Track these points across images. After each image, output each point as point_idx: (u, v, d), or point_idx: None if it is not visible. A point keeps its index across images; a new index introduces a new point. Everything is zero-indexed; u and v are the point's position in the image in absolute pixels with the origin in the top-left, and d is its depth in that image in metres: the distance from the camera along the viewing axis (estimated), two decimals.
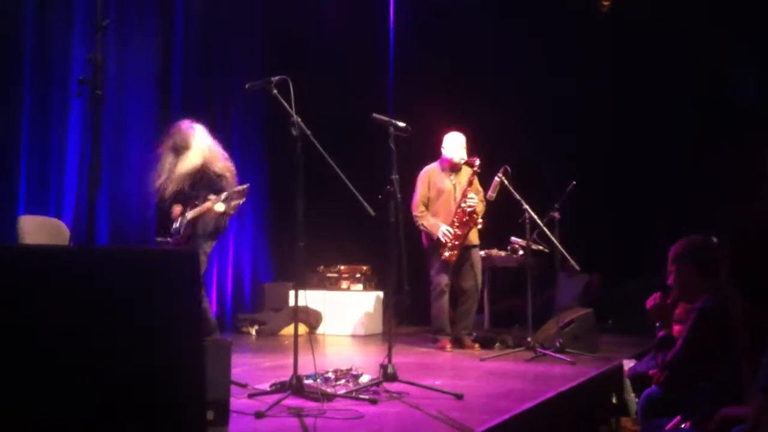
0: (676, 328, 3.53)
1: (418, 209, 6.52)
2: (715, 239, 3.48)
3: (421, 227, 6.51)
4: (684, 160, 8.23)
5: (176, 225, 5.37)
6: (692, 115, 8.36)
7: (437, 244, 6.42)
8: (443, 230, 6.38)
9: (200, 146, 5.36)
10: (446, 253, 6.39)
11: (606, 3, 8.83)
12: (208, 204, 5.25)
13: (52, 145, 6.13)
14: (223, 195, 5.21)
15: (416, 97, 8.24)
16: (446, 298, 6.48)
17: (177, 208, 5.40)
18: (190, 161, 5.32)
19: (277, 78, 4.27)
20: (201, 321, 2.39)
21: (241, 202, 5.23)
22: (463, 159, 6.50)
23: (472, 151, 6.57)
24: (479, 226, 6.51)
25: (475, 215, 6.42)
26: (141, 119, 6.94)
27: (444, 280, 6.45)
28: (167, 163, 5.36)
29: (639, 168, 8.61)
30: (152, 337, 2.20)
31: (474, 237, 6.58)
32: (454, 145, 6.54)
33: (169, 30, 7.36)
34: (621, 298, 8.14)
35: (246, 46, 8.28)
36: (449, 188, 6.54)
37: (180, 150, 5.34)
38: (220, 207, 5.23)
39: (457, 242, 6.39)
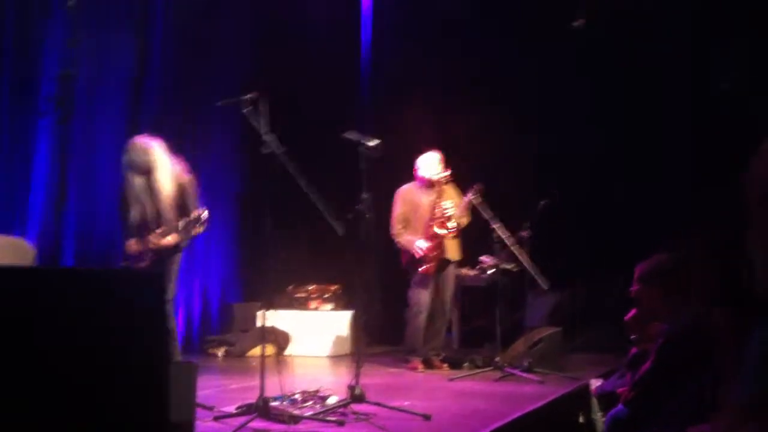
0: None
1: (395, 228, 6.59)
2: (682, 257, 3.50)
3: (399, 245, 6.57)
4: (659, 177, 8.31)
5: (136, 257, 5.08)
6: (668, 130, 8.43)
7: (415, 260, 6.46)
8: (418, 245, 6.43)
9: (166, 167, 5.05)
10: (423, 267, 6.43)
11: (580, 20, 8.86)
12: (159, 241, 4.93)
13: (16, 162, 6.03)
14: (180, 224, 4.87)
15: (394, 115, 8.24)
16: (423, 318, 6.48)
17: (133, 243, 5.08)
18: (163, 186, 5.00)
19: (250, 95, 4.27)
20: (166, 343, 2.35)
21: (200, 230, 4.90)
22: (440, 174, 6.53)
23: (448, 165, 6.60)
24: (452, 230, 6.48)
25: (445, 221, 6.43)
26: (111, 136, 6.87)
27: (425, 300, 6.47)
28: (135, 185, 5.05)
29: (613, 183, 8.65)
30: (117, 359, 2.17)
31: (453, 252, 6.61)
32: (429, 162, 6.60)
33: (143, 47, 7.30)
34: (591, 316, 8.19)
35: (220, 63, 8.23)
36: (425, 204, 6.57)
37: (142, 171, 5.01)
38: (170, 240, 4.92)
39: (433, 254, 6.42)
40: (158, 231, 4.89)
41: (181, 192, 5.00)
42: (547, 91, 8.64)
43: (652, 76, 8.45)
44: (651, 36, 8.31)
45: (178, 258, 5.17)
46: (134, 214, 5.05)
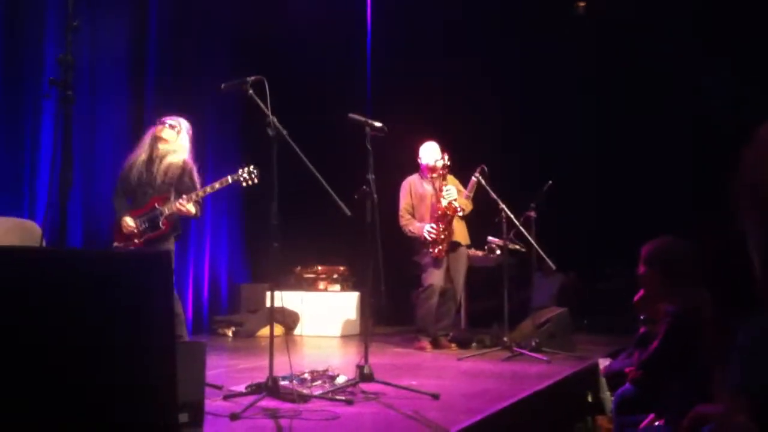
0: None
1: (403, 218, 6.65)
2: (687, 242, 3.49)
3: (409, 233, 6.61)
4: (663, 159, 8.31)
5: (144, 224, 5.19)
6: (672, 113, 8.43)
7: (426, 244, 6.49)
8: (427, 228, 6.48)
9: (185, 145, 5.27)
10: (435, 250, 6.45)
11: (581, 4, 8.90)
12: (181, 206, 5.10)
13: (24, 146, 6.06)
14: (193, 195, 5.10)
15: (394, 99, 8.23)
16: (435, 300, 6.51)
17: (127, 220, 5.21)
18: (175, 156, 5.21)
19: (253, 78, 4.26)
20: (173, 321, 2.36)
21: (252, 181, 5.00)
22: (438, 161, 6.54)
23: (451, 150, 6.62)
24: (460, 214, 6.51)
25: (453, 203, 6.44)
26: (114, 119, 6.89)
27: (437, 280, 6.49)
28: (144, 152, 5.26)
29: (617, 165, 8.66)
30: (125, 340, 2.18)
31: (461, 235, 6.64)
32: (429, 151, 6.67)
33: (143, 30, 7.30)
34: (597, 297, 8.20)
35: (221, 47, 8.23)
36: (430, 192, 6.63)
37: (163, 142, 5.23)
38: (192, 208, 5.13)
39: (443, 236, 6.44)
40: (185, 197, 5.05)
41: (192, 182, 5.18)
42: (551, 82, 8.65)
43: (655, 71, 8.45)
44: (652, 37, 8.31)
45: (172, 244, 5.28)
46: (132, 184, 5.20)
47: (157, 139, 5.25)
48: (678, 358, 3.25)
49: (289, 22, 8.53)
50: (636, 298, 3.59)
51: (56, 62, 3.48)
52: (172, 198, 5.14)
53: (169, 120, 5.30)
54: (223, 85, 4.47)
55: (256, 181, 4.96)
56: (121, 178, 5.36)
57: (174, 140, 5.26)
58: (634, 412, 3.48)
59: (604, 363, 5.22)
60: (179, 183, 5.17)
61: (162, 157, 5.22)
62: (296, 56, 8.62)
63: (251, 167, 4.97)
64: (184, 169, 5.17)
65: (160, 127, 5.27)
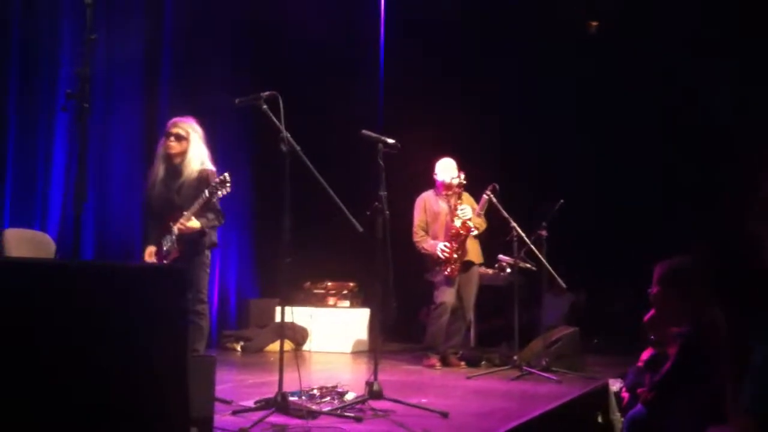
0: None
1: (417, 234, 6.63)
2: (699, 261, 3.48)
3: (422, 250, 6.59)
4: (671, 177, 8.30)
5: (166, 244, 4.92)
6: (679, 131, 8.43)
7: (440, 262, 6.47)
8: (440, 247, 6.45)
9: (198, 151, 4.95)
10: (448, 269, 6.43)
11: (594, 24, 8.95)
12: (181, 226, 4.80)
13: (37, 158, 6.10)
14: (192, 208, 4.75)
15: (406, 110, 8.24)
16: (446, 318, 6.47)
17: (151, 251, 4.96)
18: (189, 168, 4.89)
19: (267, 93, 4.28)
20: (186, 336, 2.35)
21: (225, 192, 4.67)
22: (455, 179, 6.53)
23: (463, 167, 6.61)
24: (474, 233, 6.50)
25: (467, 223, 6.43)
26: (127, 130, 6.92)
27: (449, 298, 6.47)
28: (160, 168, 4.95)
29: (626, 186, 8.66)
30: (136, 353, 2.18)
31: (475, 254, 6.62)
32: (445, 168, 6.63)
33: (157, 40, 7.34)
34: (607, 317, 8.16)
35: (233, 61, 8.26)
36: (444, 210, 6.61)
37: (178, 142, 4.91)
38: (195, 224, 4.80)
39: (456, 255, 6.42)
40: (185, 214, 4.77)
41: (206, 182, 4.84)
42: (564, 100, 8.68)
43: (658, 86, 8.46)
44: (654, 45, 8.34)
45: (207, 253, 4.98)
46: (156, 204, 4.96)
47: (168, 156, 4.94)
48: (691, 379, 3.23)
49: (302, 34, 8.52)
50: (646, 317, 3.57)
51: (72, 75, 3.49)
52: (185, 215, 4.83)
53: (175, 129, 4.93)
54: (237, 101, 4.48)
55: (228, 190, 4.69)
56: (147, 197, 5.11)
57: (185, 151, 4.92)
58: None
59: (614, 384, 5.17)
60: (198, 194, 4.79)
61: (177, 172, 4.93)
62: (308, 70, 8.63)
63: (225, 176, 4.69)
64: (200, 180, 4.85)
65: (168, 143, 4.93)
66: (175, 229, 4.82)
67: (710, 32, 7.94)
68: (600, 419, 5.06)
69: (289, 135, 4.21)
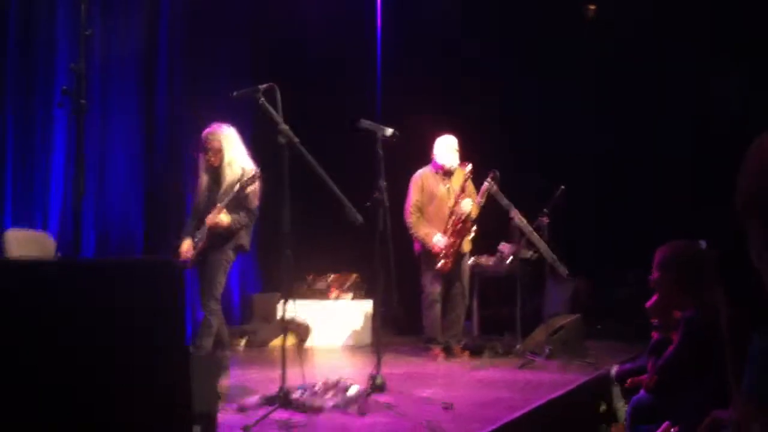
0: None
1: (412, 216, 6.43)
2: (703, 243, 3.46)
3: (415, 236, 6.44)
4: (675, 163, 8.28)
5: (196, 239, 5.01)
6: (684, 117, 8.40)
7: (430, 253, 6.36)
8: (436, 240, 6.33)
9: (235, 154, 4.99)
10: (440, 263, 6.33)
11: (592, 8, 8.89)
12: (209, 221, 4.86)
13: (36, 156, 6.07)
14: (224, 201, 4.81)
15: (405, 99, 8.18)
16: (438, 307, 6.42)
17: (185, 244, 5.03)
18: (230, 171, 4.94)
19: (264, 86, 4.27)
20: (183, 331, 2.34)
21: (254, 187, 4.80)
22: (455, 165, 6.45)
23: (462, 154, 6.53)
24: (472, 235, 6.47)
25: (468, 223, 6.38)
26: (125, 127, 6.91)
27: (437, 289, 6.40)
28: (205, 176, 5.03)
29: (628, 171, 8.64)
30: (137, 349, 2.17)
31: (465, 244, 6.54)
32: (447, 149, 6.47)
33: (153, 37, 7.30)
34: (610, 303, 8.15)
35: (231, 53, 8.22)
36: (443, 193, 6.45)
37: (215, 155, 4.98)
38: (224, 219, 4.85)
39: (451, 250, 6.34)
40: (218, 206, 4.83)
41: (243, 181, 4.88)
42: (562, 83, 8.64)
43: (661, 78, 8.44)
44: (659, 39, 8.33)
45: (230, 253, 5.00)
46: (203, 210, 4.99)
47: (210, 167, 5.00)
48: (694, 364, 3.22)
49: (301, 24, 8.49)
50: (648, 303, 3.56)
51: (68, 71, 3.48)
52: (217, 207, 4.88)
53: (209, 144, 4.99)
54: (234, 93, 4.47)
55: (258, 184, 4.82)
56: (194, 208, 5.19)
57: (223, 156, 4.97)
58: (649, 421, 3.44)
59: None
60: (240, 197, 4.86)
61: (220, 178, 4.97)
62: (306, 58, 8.58)
63: (256, 171, 4.82)
64: (239, 181, 4.85)
65: (208, 157, 5.00)
66: (206, 221, 4.88)
67: (717, 29, 7.92)
68: (603, 407, 5.05)
69: (287, 127, 4.19)
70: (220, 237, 4.93)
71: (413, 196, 6.48)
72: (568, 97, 8.70)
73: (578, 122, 8.72)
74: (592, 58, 8.70)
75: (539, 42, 8.68)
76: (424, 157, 6.67)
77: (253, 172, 4.82)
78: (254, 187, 4.84)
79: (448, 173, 6.48)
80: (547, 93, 8.67)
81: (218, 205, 4.85)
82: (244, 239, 5.05)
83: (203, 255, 4.97)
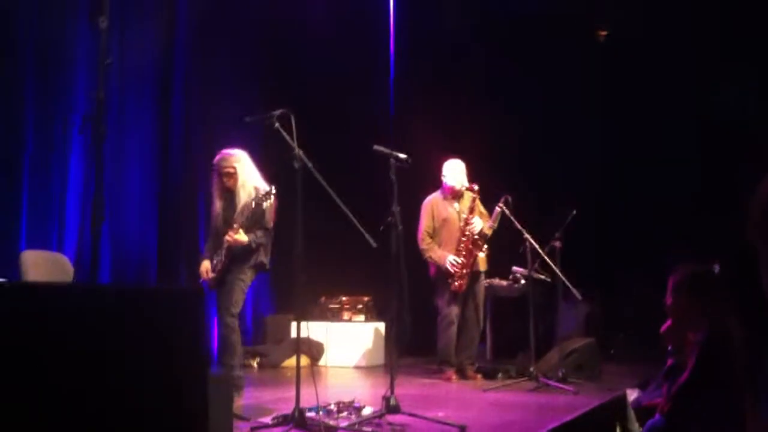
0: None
1: (424, 242, 6.53)
2: (716, 267, 3.48)
3: (429, 259, 6.51)
4: (684, 184, 8.28)
5: (215, 260, 5.16)
6: (693, 136, 8.41)
7: (446, 274, 6.42)
8: (450, 260, 6.38)
9: (248, 177, 5.14)
10: (456, 283, 6.38)
11: (602, 33, 8.96)
12: (229, 238, 4.99)
13: (53, 180, 6.15)
14: (240, 219, 4.95)
15: (416, 125, 8.24)
16: (455, 329, 6.45)
17: (205, 265, 5.20)
18: (244, 191, 5.08)
19: (279, 112, 4.31)
20: (205, 359, 2.37)
21: (269, 203, 4.88)
22: (464, 185, 6.51)
23: (472, 177, 6.59)
24: (484, 253, 6.50)
25: (480, 241, 6.41)
26: (141, 150, 6.98)
27: (454, 310, 6.43)
28: (220, 199, 5.18)
29: (639, 194, 8.64)
30: (155, 376, 2.19)
31: (481, 263, 6.58)
32: (455, 172, 6.56)
33: (169, 60, 7.39)
34: (623, 326, 8.12)
35: (246, 82, 8.30)
36: (453, 216, 6.53)
37: (228, 180, 5.12)
38: (242, 237, 5.00)
39: (465, 270, 6.38)
40: (234, 226, 4.95)
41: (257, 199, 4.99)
42: (571, 105, 8.68)
43: (663, 92, 8.46)
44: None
45: (248, 272, 5.14)
46: (220, 232, 5.11)
47: (224, 189, 5.16)
48: (709, 388, 3.22)
49: (315, 48, 8.56)
50: (663, 328, 3.57)
51: (87, 98, 3.54)
52: (234, 227, 5.01)
53: (224, 169, 5.14)
54: (247, 119, 4.52)
55: (273, 201, 4.89)
56: (211, 230, 5.34)
57: (237, 179, 5.12)
58: None
59: (632, 394, 5.16)
60: (257, 214, 5.00)
61: (235, 200, 5.11)
62: (319, 83, 8.64)
63: (271, 188, 4.90)
64: (254, 199, 4.97)
65: (223, 180, 5.14)
66: (224, 240, 4.99)
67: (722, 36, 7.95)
68: (618, 430, 5.03)
69: (301, 152, 4.24)
70: (239, 257, 5.05)
71: (424, 222, 6.58)
72: (580, 117, 8.71)
73: (588, 142, 8.72)
74: (600, 77, 8.71)
75: (554, 64, 8.72)
76: (435, 179, 6.72)
77: (267, 189, 4.91)
78: (270, 204, 4.93)
79: (457, 195, 6.55)
80: (557, 113, 8.69)
81: (235, 225, 4.95)
82: (264, 258, 5.16)
83: (222, 275, 5.06)
